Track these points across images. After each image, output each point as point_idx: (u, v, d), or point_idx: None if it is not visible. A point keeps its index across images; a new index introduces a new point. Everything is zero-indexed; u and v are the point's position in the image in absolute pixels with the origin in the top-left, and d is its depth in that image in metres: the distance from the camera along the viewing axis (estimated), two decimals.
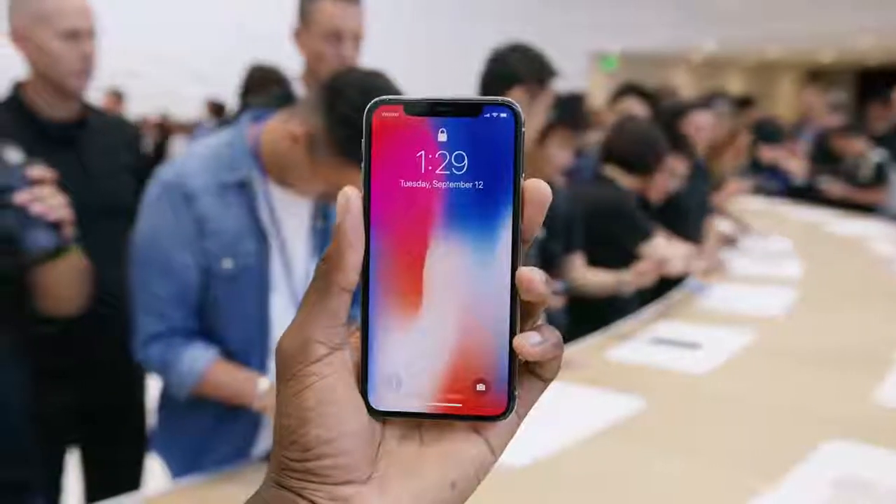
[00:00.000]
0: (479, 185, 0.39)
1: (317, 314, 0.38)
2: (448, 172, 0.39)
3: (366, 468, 0.38)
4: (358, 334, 0.40)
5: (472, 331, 0.40)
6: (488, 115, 0.39)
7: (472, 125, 0.39)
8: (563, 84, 2.53)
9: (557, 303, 2.41)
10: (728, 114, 4.46)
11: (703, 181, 3.72)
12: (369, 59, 2.24)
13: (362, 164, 0.40)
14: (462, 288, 0.39)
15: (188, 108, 12.09)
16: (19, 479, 1.51)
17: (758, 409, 1.96)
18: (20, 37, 1.91)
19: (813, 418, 1.88)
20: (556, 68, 2.23)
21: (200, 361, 1.50)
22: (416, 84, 1.59)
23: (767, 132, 6.23)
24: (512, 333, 0.39)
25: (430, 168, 0.39)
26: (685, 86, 14.31)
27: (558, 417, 1.86)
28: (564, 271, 2.65)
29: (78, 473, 2.11)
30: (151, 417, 1.96)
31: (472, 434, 0.41)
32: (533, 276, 0.39)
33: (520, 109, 0.39)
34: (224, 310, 1.55)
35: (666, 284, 3.14)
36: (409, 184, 0.39)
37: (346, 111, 1.43)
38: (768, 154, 6.23)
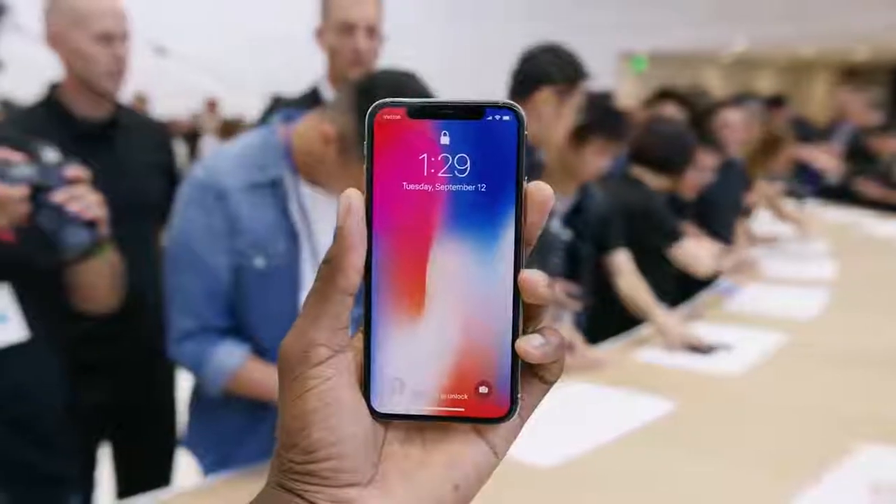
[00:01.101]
0: (481, 187, 0.39)
1: (319, 317, 0.38)
2: (450, 175, 0.39)
3: (368, 471, 0.38)
4: (361, 337, 0.40)
5: (474, 333, 0.40)
6: (491, 118, 0.39)
7: (474, 128, 0.39)
8: (591, 84, 2.52)
9: (576, 306, 2.39)
10: (759, 113, 4.40)
11: (737, 180, 3.68)
12: (395, 60, 2.25)
13: (364, 167, 0.40)
14: (464, 290, 0.39)
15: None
16: (59, 473, 1.54)
17: (790, 412, 1.93)
18: (55, 40, 1.95)
19: (846, 421, 1.85)
20: (587, 70, 2.22)
21: (232, 359, 1.52)
22: (442, 85, 1.60)
23: (800, 132, 6.14)
24: (514, 336, 0.39)
25: (432, 171, 0.39)
26: (716, 86, 14.15)
27: (587, 418, 1.85)
28: (607, 272, 2.62)
29: (109, 469, 2.15)
30: (182, 414, 1.98)
31: (475, 436, 0.41)
32: (535, 278, 0.39)
33: (522, 112, 0.39)
34: (255, 308, 1.56)
35: (695, 286, 3.11)
36: (411, 186, 0.39)
37: None
38: (801, 154, 6.14)
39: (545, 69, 2.16)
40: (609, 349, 2.43)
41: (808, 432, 1.81)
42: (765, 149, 4.09)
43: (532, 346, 0.39)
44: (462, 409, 0.40)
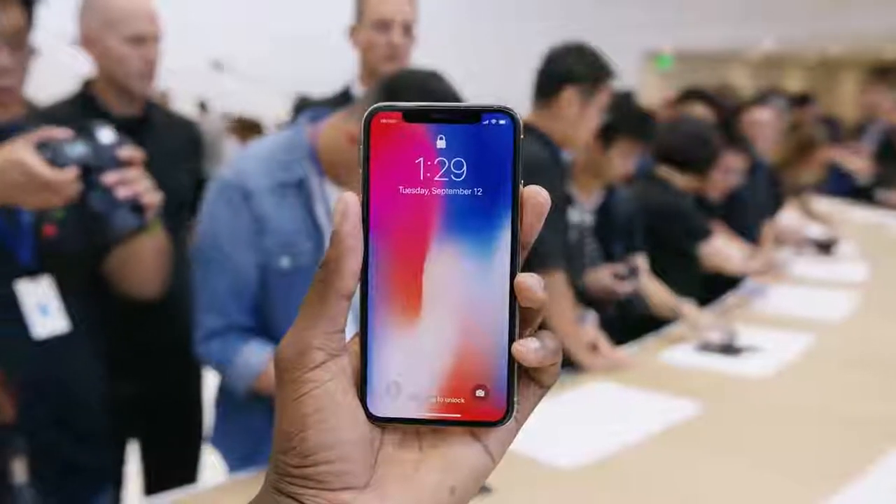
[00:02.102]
0: (478, 191, 0.39)
1: (315, 320, 0.38)
2: (447, 179, 0.39)
3: (364, 474, 0.38)
4: (357, 340, 0.40)
5: (471, 337, 0.39)
6: (487, 122, 0.39)
7: (470, 132, 0.39)
8: (615, 83, 2.51)
9: (627, 288, 2.39)
10: (785, 111, 4.35)
11: (764, 181, 3.63)
12: (416, 60, 2.26)
13: (360, 170, 0.40)
14: (461, 294, 0.39)
15: (232, 109, 12.33)
16: (97, 465, 1.55)
17: (818, 415, 1.91)
18: (88, 41, 1.98)
19: (875, 425, 1.82)
20: (613, 69, 2.21)
21: (258, 359, 1.53)
22: (465, 85, 1.60)
23: (829, 132, 6.05)
24: (511, 340, 0.39)
25: (428, 174, 0.39)
26: (743, 85, 14.01)
27: (611, 419, 1.84)
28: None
29: (136, 465, 2.17)
30: (208, 412, 2.00)
31: (471, 440, 0.40)
32: (531, 282, 0.38)
33: (518, 116, 0.39)
34: (281, 307, 1.57)
35: (722, 287, 3.08)
36: (407, 190, 0.39)
37: None
38: (831, 155, 6.05)
39: (570, 68, 2.15)
40: (633, 350, 2.41)
41: (836, 435, 1.78)
42: (799, 152, 4.04)
43: (528, 349, 0.39)
44: (458, 414, 0.40)
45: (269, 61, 13.41)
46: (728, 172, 2.97)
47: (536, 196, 0.39)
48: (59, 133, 1.24)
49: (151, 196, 1.36)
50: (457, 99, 1.52)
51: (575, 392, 2.03)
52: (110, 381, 1.63)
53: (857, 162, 6.21)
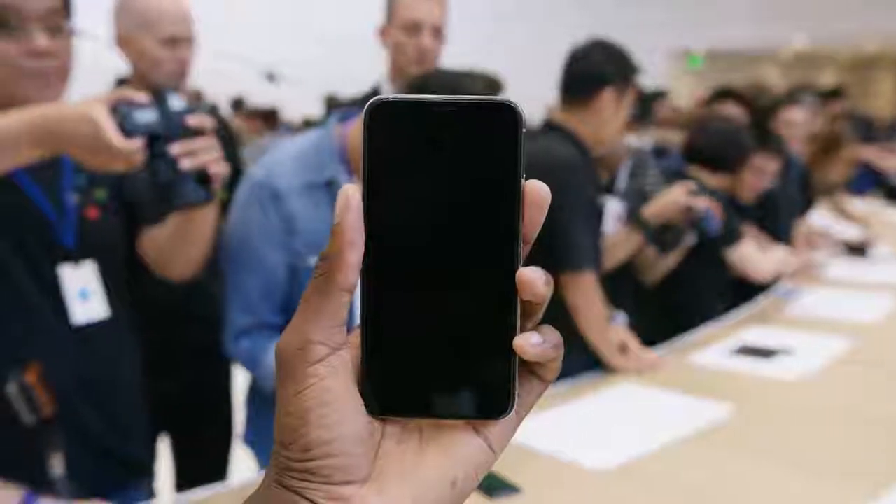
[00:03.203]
0: (479, 184, 0.39)
1: (316, 314, 0.38)
2: (449, 172, 0.39)
3: (365, 468, 0.38)
4: (358, 333, 0.40)
5: (472, 330, 0.39)
6: (490, 115, 0.38)
7: (473, 124, 0.39)
8: (646, 83, 2.49)
9: (703, 204, 2.39)
10: (816, 107, 4.28)
11: (796, 180, 3.58)
12: (444, 61, 2.26)
13: (361, 163, 0.39)
14: (463, 287, 0.39)
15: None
16: (135, 457, 1.55)
17: (853, 419, 1.87)
18: (123, 41, 2.02)
19: None
20: (637, 64, 2.21)
21: None
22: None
23: (862, 131, 5.95)
24: (512, 333, 0.39)
25: (430, 167, 0.39)
26: (776, 84, 13.82)
27: (642, 421, 1.83)
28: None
29: (167, 461, 2.20)
30: (239, 409, 2.02)
31: (472, 433, 0.40)
32: (533, 276, 0.38)
33: (521, 109, 0.38)
34: None
35: (754, 288, 3.04)
36: (409, 183, 0.39)
37: None
38: (864, 154, 5.95)
39: (603, 69, 2.15)
40: (664, 351, 2.39)
41: (872, 439, 1.75)
42: (826, 149, 3.97)
43: (530, 343, 0.39)
44: (460, 406, 0.40)
45: (306, 62, 13.49)
46: (761, 174, 2.93)
47: (538, 190, 0.39)
48: (137, 97, 1.22)
49: (218, 166, 1.32)
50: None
51: (604, 393, 2.02)
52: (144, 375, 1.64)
53: (892, 161, 6.10)
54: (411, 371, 0.40)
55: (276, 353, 0.39)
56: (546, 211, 0.40)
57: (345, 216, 0.38)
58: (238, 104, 10.92)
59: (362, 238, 0.38)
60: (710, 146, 2.80)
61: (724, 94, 3.67)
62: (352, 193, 0.38)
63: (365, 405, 0.39)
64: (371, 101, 0.39)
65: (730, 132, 2.81)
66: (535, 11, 15.21)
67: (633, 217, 2.45)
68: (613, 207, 2.59)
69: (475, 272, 0.39)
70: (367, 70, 2.69)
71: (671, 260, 2.61)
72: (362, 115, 0.39)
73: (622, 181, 2.68)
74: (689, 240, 2.53)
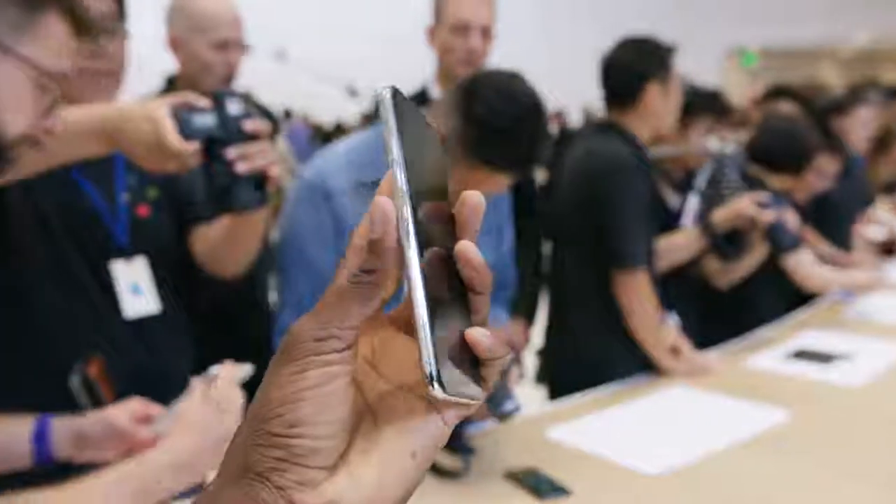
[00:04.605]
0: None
1: (346, 316, 0.38)
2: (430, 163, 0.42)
3: (336, 457, 0.39)
4: (397, 326, 0.42)
5: (460, 314, 0.42)
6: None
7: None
8: (697, 82, 2.46)
9: (770, 216, 2.40)
10: (882, 105, 4.13)
11: (858, 180, 3.47)
12: (491, 61, 2.25)
13: (398, 160, 0.39)
14: (455, 277, 0.42)
15: (318, 112, 12.52)
16: None
17: None
18: (176, 44, 2.07)
19: None
20: (670, 44, 2.21)
21: None
22: (541, 84, 1.58)
23: None
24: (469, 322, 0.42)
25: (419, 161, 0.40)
26: (835, 84, 13.45)
27: (695, 425, 1.79)
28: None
29: None
30: None
31: (426, 406, 0.41)
32: (467, 250, 0.40)
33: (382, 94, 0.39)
34: None
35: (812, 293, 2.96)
36: (425, 173, 0.41)
37: (481, 112, 1.44)
38: None
39: (641, 66, 2.15)
40: (718, 354, 2.34)
41: None
42: (879, 146, 3.85)
43: (479, 335, 0.40)
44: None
45: (353, 63, 13.59)
46: (821, 175, 2.85)
47: (471, 197, 0.42)
48: (197, 101, 1.24)
49: (274, 170, 1.33)
50: (537, 100, 1.50)
51: (656, 396, 1.99)
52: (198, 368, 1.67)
53: None
54: (454, 360, 0.40)
55: (288, 334, 0.39)
56: (481, 215, 0.42)
57: (388, 230, 0.38)
58: (287, 113, 11.06)
59: (398, 254, 0.39)
60: (774, 147, 2.73)
61: (778, 92, 3.58)
62: (389, 207, 0.38)
63: (439, 387, 0.39)
64: (388, 92, 0.40)
65: (794, 133, 2.74)
66: (583, 11, 15.09)
67: (702, 220, 2.42)
68: (692, 204, 2.58)
69: (449, 254, 0.41)
70: (414, 70, 2.70)
71: (744, 268, 2.56)
72: (387, 111, 0.39)
73: (701, 181, 2.66)
74: (762, 252, 2.50)
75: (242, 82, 2.20)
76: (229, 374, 1.16)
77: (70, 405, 1.14)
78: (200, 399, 1.10)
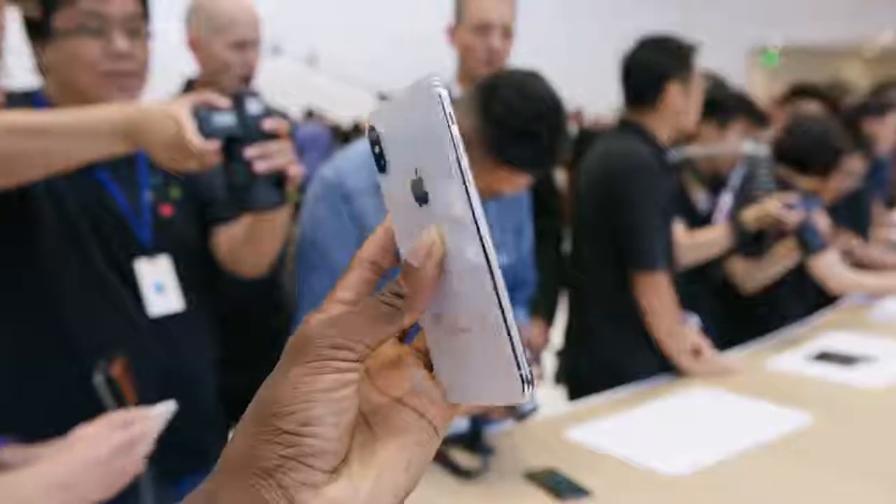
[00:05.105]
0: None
1: (369, 333, 0.39)
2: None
3: (338, 461, 0.39)
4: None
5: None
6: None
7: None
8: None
9: (796, 217, 2.38)
10: None
11: (883, 183, 3.43)
12: (513, 61, 2.25)
13: (463, 163, 0.39)
14: None
15: (338, 110, 12.54)
16: (213, 447, 1.58)
17: None
18: (195, 44, 2.10)
19: None
20: (692, 43, 2.20)
21: None
22: (562, 84, 1.58)
23: None
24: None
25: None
26: (860, 84, 13.30)
27: (716, 427, 1.78)
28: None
29: None
30: None
31: (417, 419, 0.42)
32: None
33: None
34: None
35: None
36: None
37: (500, 111, 1.44)
38: None
39: (661, 66, 2.14)
40: (739, 356, 2.32)
41: None
42: None
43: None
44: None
45: (373, 61, 13.62)
46: (846, 175, 2.82)
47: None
48: (217, 101, 1.25)
49: (294, 169, 1.33)
50: (556, 100, 1.50)
51: (676, 397, 1.97)
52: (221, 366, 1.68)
53: None
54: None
55: (303, 334, 0.39)
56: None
57: (429, 265, 0.39)
58: (310, 114, 11.08)
59: (435, 287, 0.40)
60: (802, 148, 2.70)
61: (801, 91, 3.53)
62: (439, 244, 0.40)
63: (519, 405, 0.40)
64: (443, 85, 0.39)
65: (823, 134, 2.70)
66: (604, 10, 15.02)
67: (732, 217, 2.42)
68: (725, 202, 2.58)
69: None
70: (434, 70, 2.69)
71: (769, 274, 2.54)
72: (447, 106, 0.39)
73: (736, 180, 2.65)
74: (790, 260, 2.49)
75: (265, 84, 2.21)
76: (160, 414, 1.15)
77: (94, 404, 1.15)
78: (106, 425, 1.07)
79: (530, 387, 0.39)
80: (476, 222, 0.38)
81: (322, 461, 0.38)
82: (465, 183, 0.39)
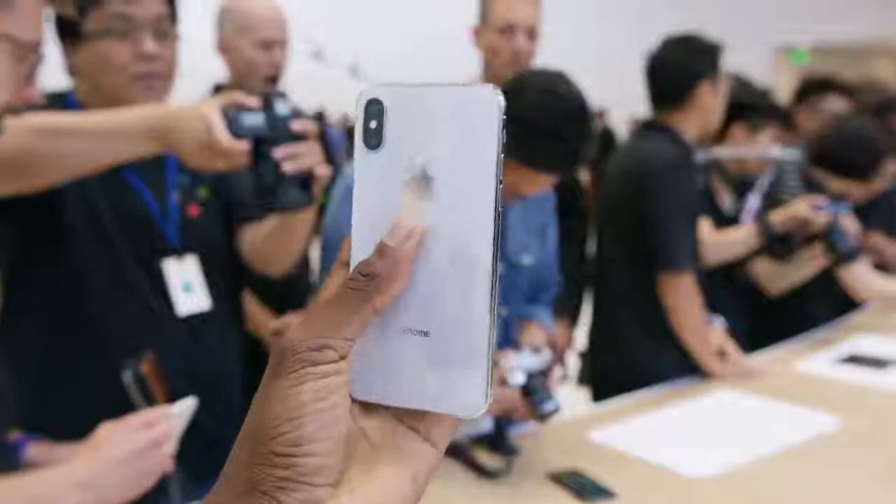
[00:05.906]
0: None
1: (342, 324, 0.38)
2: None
3: (337, 473, 0.38)
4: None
5: None
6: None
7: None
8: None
9: (823, 218, 2.36)
10: None
11: None
12: (539, 61, 2.24)
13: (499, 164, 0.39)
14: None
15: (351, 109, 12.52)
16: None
17: None
18: (224, 46, 2.12)
19: None
20: (718, 43, 2.18)
21: None
22: (588, 85, 1.57)
23: None
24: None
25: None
26: (890, 81, 13.06)
27: (743, 430, 1.76)
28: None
29: None
30: None
31: (415, 431, 0.41)
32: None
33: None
34: None
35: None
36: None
37: (524, 112, 1.44)
38: None
39: (693, 65, 2.13)
40: (766, 358, 2.30)
41: None
42: None
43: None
44: None
45: (393, 60, 13.63)
46: (884, 177, 2.77)
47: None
48: (247, 101, 1.26)
49: (321, 170, 1.34)
50: (581, 99, 1.50)
51: (702, 399, 1.96)
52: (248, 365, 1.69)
53: None
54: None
55: (280, 347, 0.38)
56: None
57: (408, 245, 0.38)
58: (320, 116, 11.09)
59: (411, 269, 0.39)
60: (844, 152, 2.65)
61: (823, 84, 3.41)
62: (421, 228, 0.39)
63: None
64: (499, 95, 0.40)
65: (867, 139, 2.65)
66: (631, 10, 14.91)
67: (759, 218, 2.40)
68: (753, 203, 2.56)
69: None
70: (455, 69, 2.70)
71: (799, 274, 2.51)
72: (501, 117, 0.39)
73: (765, 181, 2.63)
74: (817, 264, 2.46)
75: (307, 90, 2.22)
76: (182, 411, 1.16)
77: (124, 403, 1.17)
78: (129, 425, 1.07)
79: (486, 405, 0.38)
80: (494, 222, 0.38)
81: (321, 476, 0.37)
82: (496, 185, 0.38)
